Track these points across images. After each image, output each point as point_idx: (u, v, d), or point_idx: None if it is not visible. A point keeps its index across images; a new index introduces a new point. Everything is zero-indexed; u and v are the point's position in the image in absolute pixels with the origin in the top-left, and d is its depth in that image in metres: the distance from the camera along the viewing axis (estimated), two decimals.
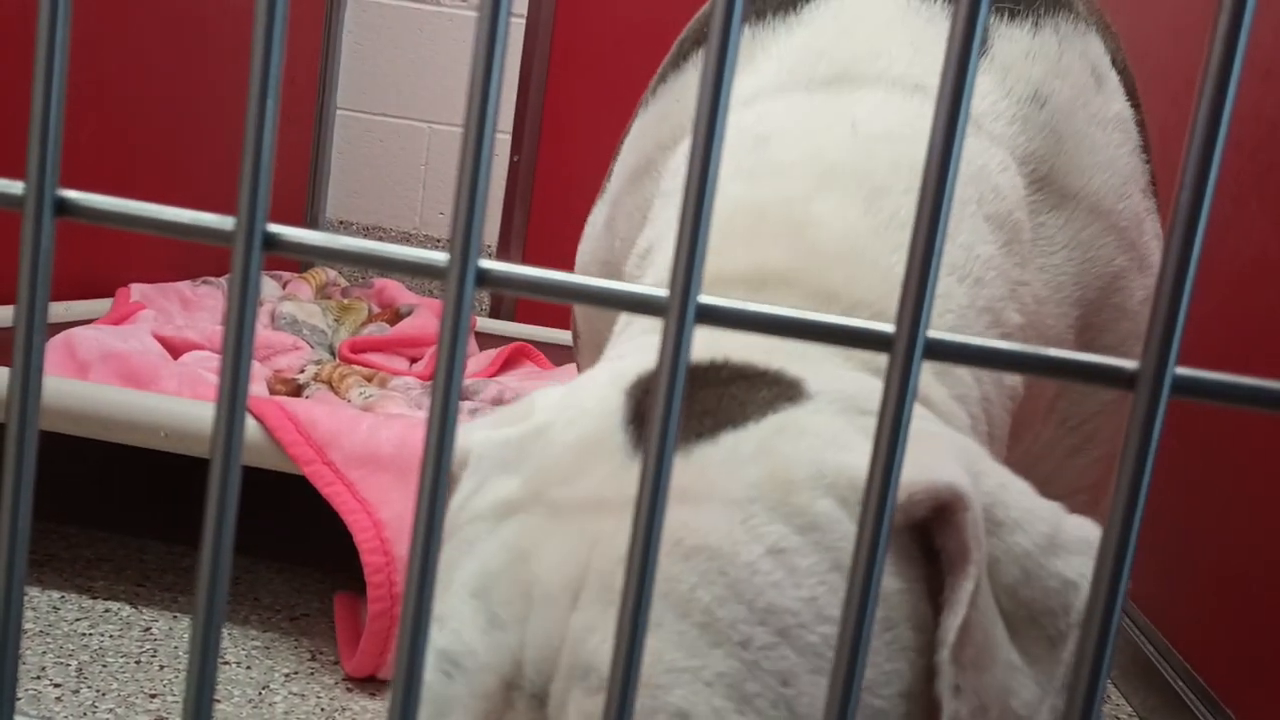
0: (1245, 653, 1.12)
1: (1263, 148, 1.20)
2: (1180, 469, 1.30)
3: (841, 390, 0.46)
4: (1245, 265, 1.22)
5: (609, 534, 0.41)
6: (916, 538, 0.42)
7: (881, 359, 0.50)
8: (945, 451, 0.43)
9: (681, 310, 0.21)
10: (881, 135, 0.57)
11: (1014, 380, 0.58)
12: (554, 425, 0.46)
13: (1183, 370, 0.21)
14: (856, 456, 0.42)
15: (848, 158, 0.56)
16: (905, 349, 0.21)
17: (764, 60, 0.64)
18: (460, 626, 0.41)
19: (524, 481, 0.44)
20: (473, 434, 0.47)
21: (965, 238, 0.57)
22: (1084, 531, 0.44)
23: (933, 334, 0.21)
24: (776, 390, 0.45)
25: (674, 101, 0.71)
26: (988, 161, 0.59)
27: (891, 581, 0.41)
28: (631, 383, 0.46)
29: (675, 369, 0.21)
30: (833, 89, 0.60)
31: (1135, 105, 0.68)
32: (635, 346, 0.53)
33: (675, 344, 0.21)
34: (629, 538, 0.38)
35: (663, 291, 0.22)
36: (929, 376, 0.53)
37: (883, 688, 0.40)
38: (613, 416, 0.45)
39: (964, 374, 0.54)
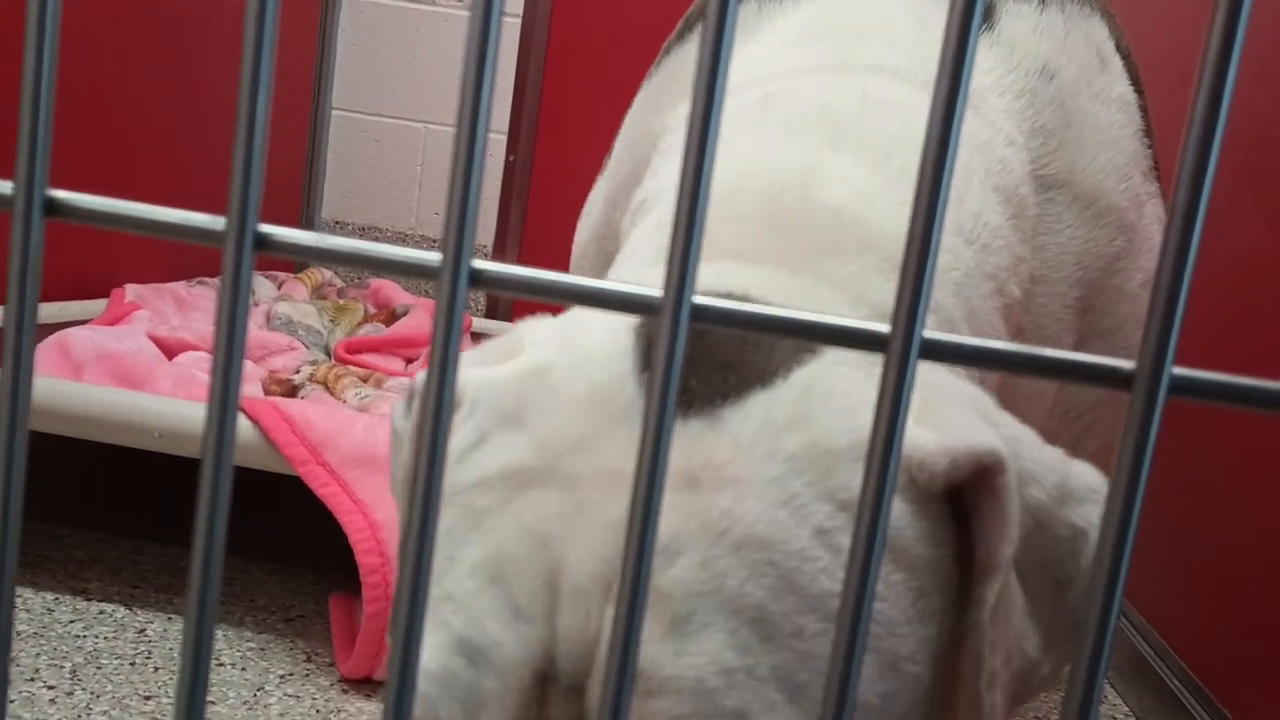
0: (1242, 652, 1.12)
1: (1256, 146, 1.21)
2: (1176, 468, 1.30)
3: None
4: (1239, 263, 1.22)
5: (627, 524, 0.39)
6: (948, 498, 0.41)
7: (878, 298, 0.49)
8: (964, 406, 0.43)
9: (675, 311, 0.21)
10: (890, 103, 0.57)
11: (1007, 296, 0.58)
12: (555, 368, 0.43)
13: (1180, 370, 0.21)
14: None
15: (856, 118, 0.55)
16: (900, 349, 0.21)
17: (769, 32, 0.64)
18: (480, 615, 0.40)
19: (534, 445, 0.42)
20: (466, 372, 0.45)
21: (974, 204, 0.56)
22: (1090, 479, 0.45)
23: (928, 334, 0.21)
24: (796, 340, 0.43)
25: (678, 69, 0.70)
26: (993, 135, 0.59)
27: (925, 549, 0.40)
28: (639, 319, 0.44)
29: (669, 370, 0.21)
30: (840, 59, 0.60)
31: (1139, 90, 0.68)
32: (636, 278, 0.51)
33: (670, 345, 0.21)
34: (660, 528, 0.38)
35: (657, 292, 0.22)
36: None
37: (919, 653, 0.40)
38: (621, 361, 0.42)
39: (947, 302, 0.54)
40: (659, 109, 0.69)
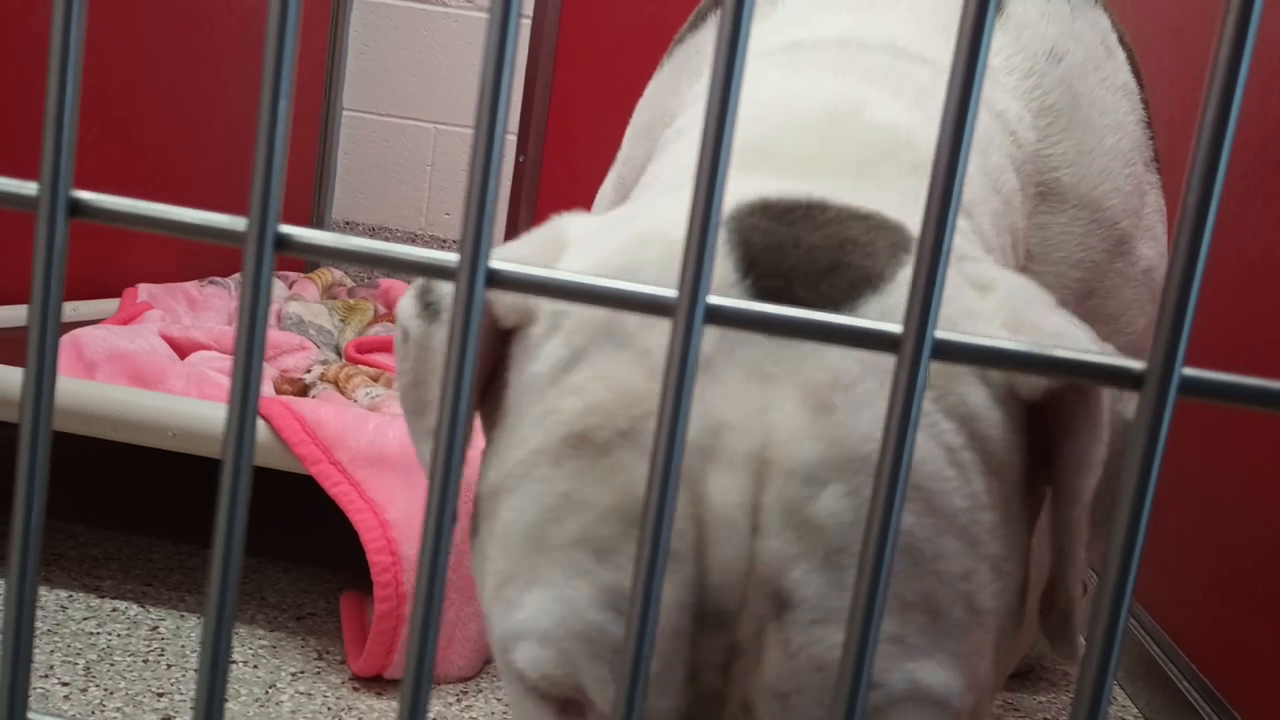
0: (1251, 653, 1.12)
1: (1269, 145, 1.20)
2: (1187, 469, 1.30)
3: None
4: (1251, 262, 1.22)
5: (779, 444, 0.38)
6: (1029, 403, 0.42)
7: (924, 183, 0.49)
8: (1053, 310, 0.43)
9: (690, 311, 0.22)
10: (917, 58, 0.57)
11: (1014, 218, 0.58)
12: (643, 269, 0.41)
13: (1190, 370, 0.21)
14: (991, 327, 0.41)
15: (890, 65, 0.55)
16: (913, 349, 0.21)
17: (783, 8, 0.63)
18: (615, 562, 0.38)
19: (645, 367, 0.39)
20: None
21: (996, 159, 0.56)
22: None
23: (940, 334, 0.21)
24: (889, 237, 0.42)
25: (693, 53, 0.70)
26: (1005, 109, 0.60)
27: (1014, 458, 0.41)
28: (732, 210, 0.42)
29: (684, 371, 0.21)
30: (861, 18, 0.60)
31: (1141, 83, 0.69)
32: (655, 204, 0.48)
33: (683, 346, 0.21)
34: (801, 456, 0.37)
35: (671, 292, 0.22)
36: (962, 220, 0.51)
37: (1011, 555, 0.41)
38: (722, 262, 0.40)
39: (984, 221, 0.53)
40: (675, 91, 0.69)
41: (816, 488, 0.37)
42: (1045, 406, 0.42)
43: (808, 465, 0.37)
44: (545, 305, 0.42)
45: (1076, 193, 0.62)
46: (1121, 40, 0.68)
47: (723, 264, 0.40)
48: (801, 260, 0.40)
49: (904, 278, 0.40)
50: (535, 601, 0.39)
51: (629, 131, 0.75)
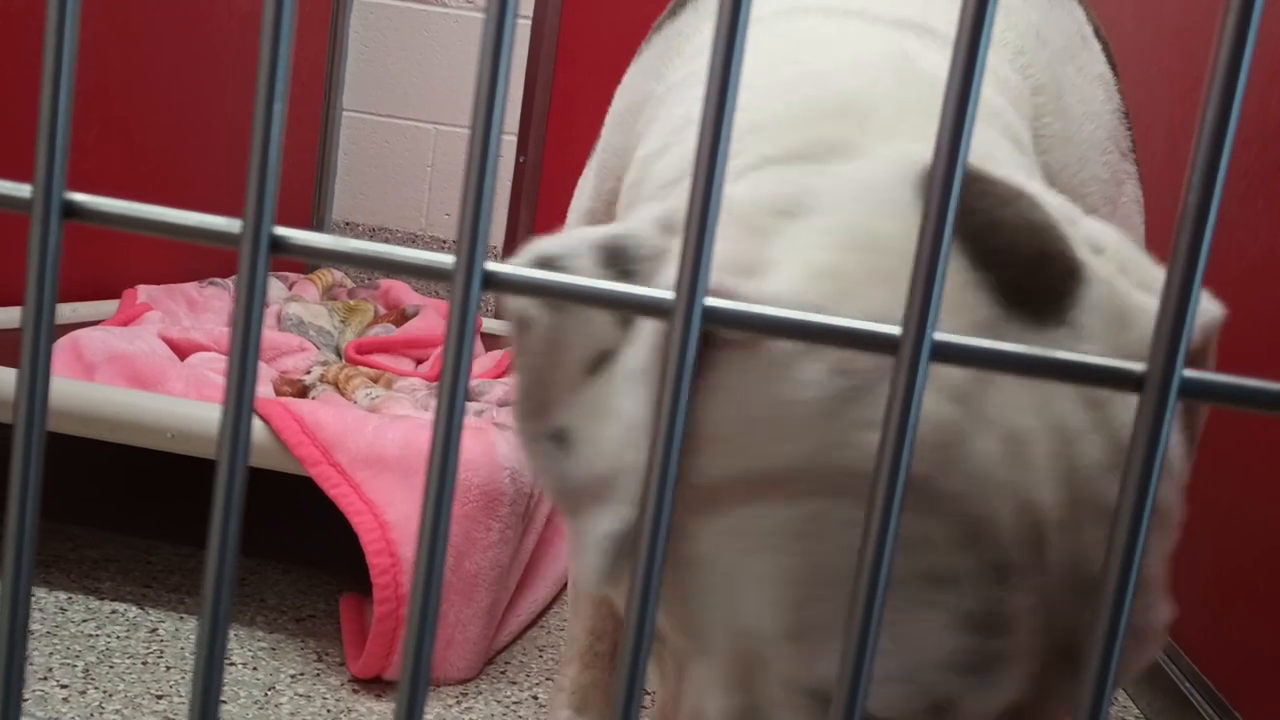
0: (1253, 654, 1.12)
1: (1270, 146, 1.20)
2: (1189, 471, 1.29)
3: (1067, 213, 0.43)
4: (1252, 264, 1.22)
5: (1075, 442, 0.39)
6: None
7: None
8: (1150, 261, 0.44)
9: (687, 314, 0.21)
10: (924, 29, 0.56)
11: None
12: (847, 273, 0.39)
13: (1190, 372, 0.21)
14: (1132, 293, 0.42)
15: (923, 15, 0.55)
16: (912, 352, 0.21)
17: None
18: (975, 583, 0.37)
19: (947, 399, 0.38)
20: (742, 287, 0.39)
21: (1011, 118, 0.56)
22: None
23: (939, 337, 0.21)
24: (1044, 214, 0.41)
25: (674, 37, 0.68)
26: (1007, 76, 0.59)
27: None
28: (918, 173, 0.41)
29: (681, 373, 0.21)
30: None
31: (1116, 74, 0.68)
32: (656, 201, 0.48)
33: (681, 349, 0.21)
34: (1094, 454, 0.39)
35: (669, 294, 0.22)
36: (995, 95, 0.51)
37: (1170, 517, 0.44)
38: (951, 263, 0.39)
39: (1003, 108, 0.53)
40: (659, 75, 0.67)
41: (1113, 477, 0.39)
42: None
43: (1102, 461, 0.39)
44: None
45: (1060, 179, 0.62)
46: (1097, 32, 0.68)
47: (951, 263, 0.39)
48: (1010, 244, 0.39)
49: (1095, 268, 0.41)
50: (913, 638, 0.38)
51: (608, 119, 0.74)
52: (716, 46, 0.21)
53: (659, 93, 0.65)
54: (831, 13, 0.57)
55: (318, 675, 1.13)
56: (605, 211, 0.72)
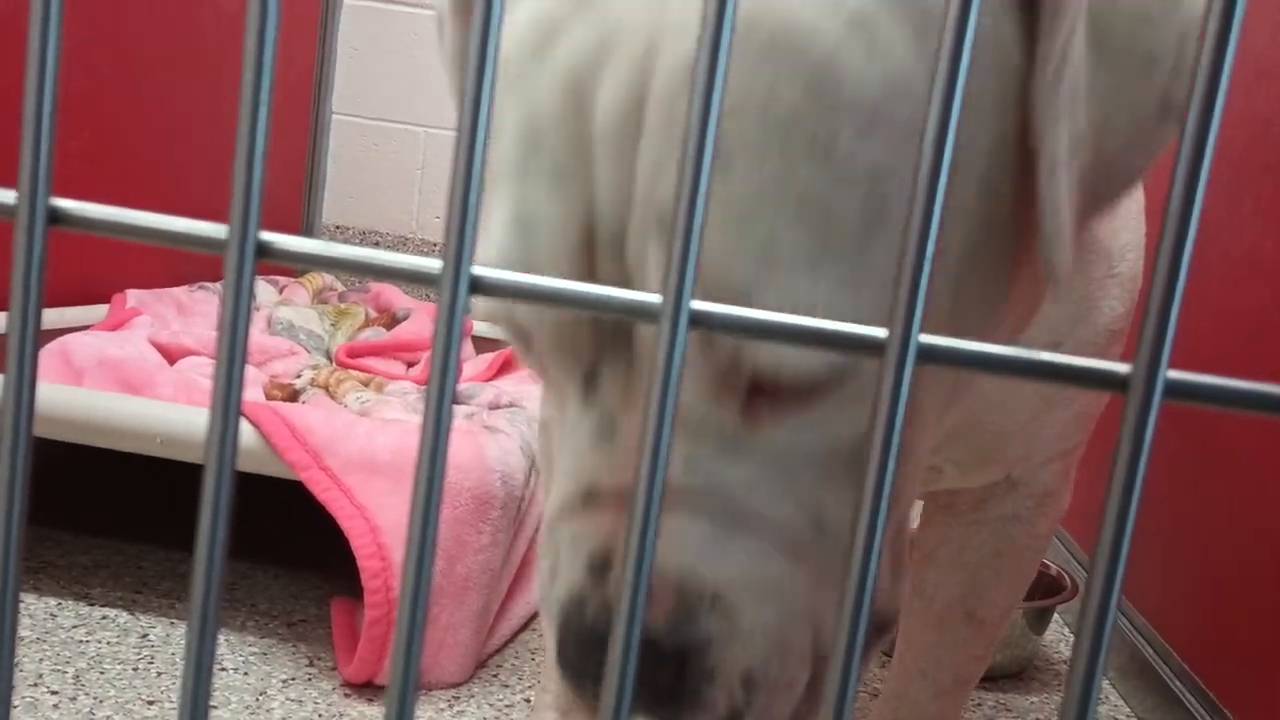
0: (1244, 654, 1.12)
1: (1256, 146, 1.21)
2: (1178, 470, 1.30)
3: None
4: (1238, 264, 1.22)
5: (668, 48, 0.34)
6: None
7: None
8: None
9: (675, 316, 0.22)
10: None
11: None
12: None
13: (1175, 374, 0.21)
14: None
15: None
16: (898, 354, 0.21)
17: None
18: (525, 183, 0.36)
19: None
20: None
21: None
22: None
23: (925, 339, 0.21)
24: None
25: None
26: None
27: (985, 21, 0.36)
28: None
29: (667, 376, 0.21)
30: None
31: None
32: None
33: (669, 351, 0.21)
34: (688, 47, 0.32)
35: (655, 297, 0.22)
36: None
37: (978, 131, 0.36)
38: None
39: None
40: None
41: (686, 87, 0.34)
42: None
43: (691, 54, 0.33)
44: None
45: None
46: None
47: None
48: None
49: None
50: (490, 230, 0.38)
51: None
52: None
53: None
54: None
55: (309, 680, 1.12)
56: None
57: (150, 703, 1.04)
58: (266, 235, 0.22)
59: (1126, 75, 0.39)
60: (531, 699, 1.16)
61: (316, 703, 1.08)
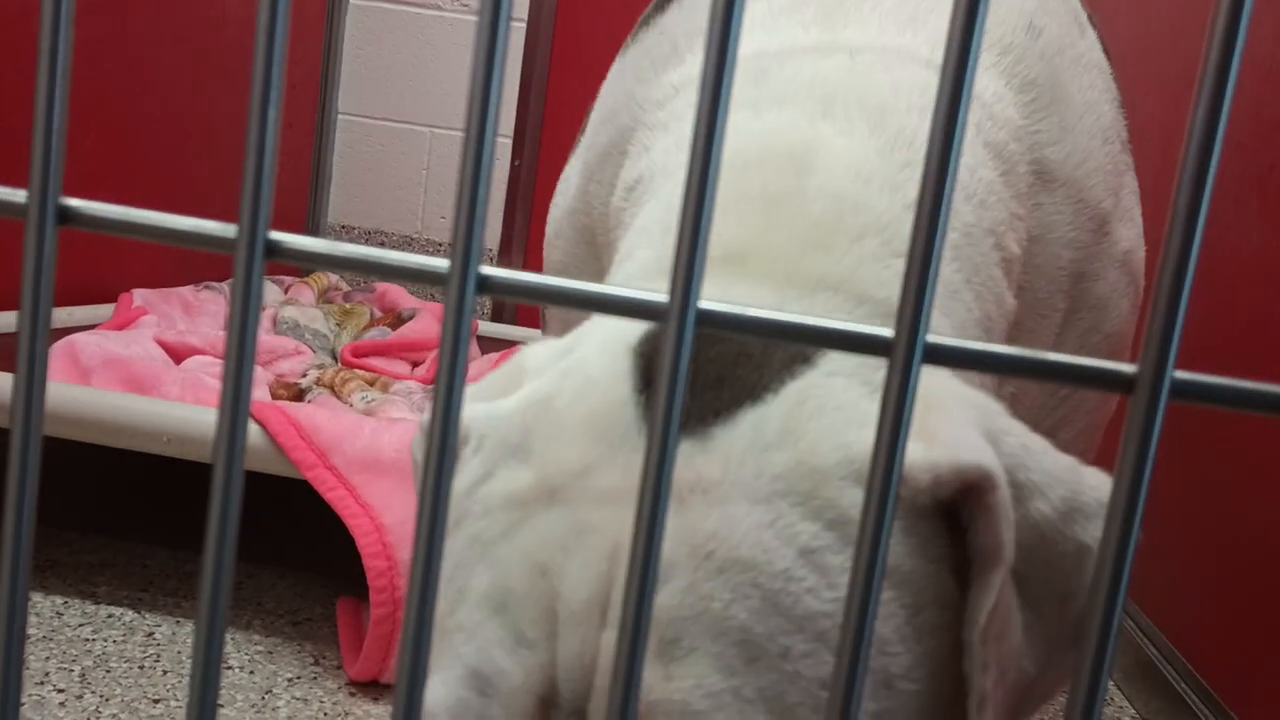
0: (1248, 655, 1.12)
1: (1263, 147, 1.20)
2: (1183, 471, 1.30)
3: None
4: (1245, 265, 1.22)
5: (631, 542, 0.39)
6: (941, 512, 0.41)
7: (878, 294, 0.48)
8: (963, 417, 0.42)
9: (682, 315, 0.22)
10: (878, 63, 0.56)
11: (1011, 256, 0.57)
12: (558, 398, 0.43)
13: (1181, 374, 0.21)
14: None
15: (847, 81, 0.55)
16: (905, 354, 0.21)
17: (753, 3, 0.63)
18: (487, 645, 0.40)
19: (536, 475, 0.42)
20: (470, 407, 0.45)
21: (968, 159, 0.56)
22: (1101, 493, 0.44)
23: (932, 339, 0.21)
24: (790, 350, 0.43)
25: (658, 35, 0.68)
26: (982, 90, 0.58)
27: (919, 564, 0.40)
28: (639, 338, 0.44)
29: (675, 376, 0.21)
30: (825, 24, 0.59)
31: (1111, 63, 0.68)
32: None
33: (675, 350, 0.21)
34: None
35: (663, 297, 0.22)
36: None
37: (915, 670, 0.40)
38: (622, 385, 0.42)
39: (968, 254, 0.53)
40: (641, 78, 0.67)
41: (659, 582, 0.38)
42: (963, 515, 0.41)
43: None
44: (476, 429, 0.45)
45: (1063, 171, 0.61)
46: (1090, 20, 0.68)
47: (623, 384, 0.42)
48: (697, 370, 0.43)
49: (792, 390, 0.42)
50: (437, 681, 0.42)
51: (593, 115, 0.74)
52: (706, 75, 0.21)
53: (641, 98, 0.66)
54: (785, 44, 0.57)
55: (315, 679, 1.13)
56: (586, 212, 0.72)
57: (156, 701, 1.04)
58: (275, 235, 0.22)
59: (1047, 615, 0.43)
60: None
61: (322, 701, 1.09)
